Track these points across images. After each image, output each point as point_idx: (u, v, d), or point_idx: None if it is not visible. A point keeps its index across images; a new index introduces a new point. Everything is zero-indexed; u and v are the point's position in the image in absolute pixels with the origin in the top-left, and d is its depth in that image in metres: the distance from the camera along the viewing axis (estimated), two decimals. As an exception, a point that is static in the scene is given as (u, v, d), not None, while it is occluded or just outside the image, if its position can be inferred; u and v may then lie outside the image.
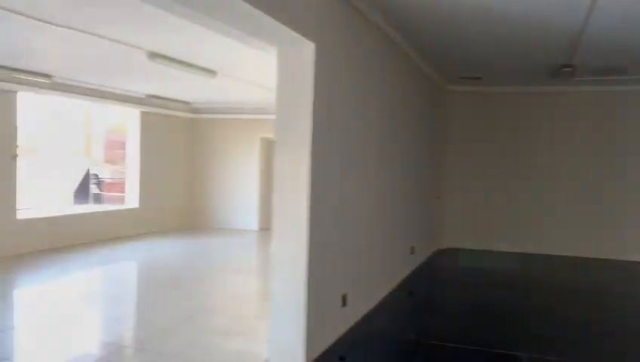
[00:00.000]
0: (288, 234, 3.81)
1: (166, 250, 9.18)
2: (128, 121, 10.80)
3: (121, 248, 9.17)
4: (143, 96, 9.65)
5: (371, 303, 5.40)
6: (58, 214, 9.07)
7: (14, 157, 7.94)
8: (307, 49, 3.72)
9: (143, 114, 10.57)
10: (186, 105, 10.89)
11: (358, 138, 4.88)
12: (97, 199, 14.60)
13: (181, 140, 11.76)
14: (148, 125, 10.71)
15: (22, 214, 8.20)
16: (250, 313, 5.66)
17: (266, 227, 11.80)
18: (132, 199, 10.67)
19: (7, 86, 7.51)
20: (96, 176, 15.51)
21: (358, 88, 4.78)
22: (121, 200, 11.86)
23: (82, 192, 17.51)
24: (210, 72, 6.72)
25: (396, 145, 6.25)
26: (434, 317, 5.55)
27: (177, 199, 11.72)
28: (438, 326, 5.19)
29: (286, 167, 3.84)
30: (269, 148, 11.83)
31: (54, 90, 8.13)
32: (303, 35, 3.56)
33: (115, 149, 16.45)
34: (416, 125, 7.20)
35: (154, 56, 5.73)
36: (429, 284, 7.03)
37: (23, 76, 7.26)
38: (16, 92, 7.85)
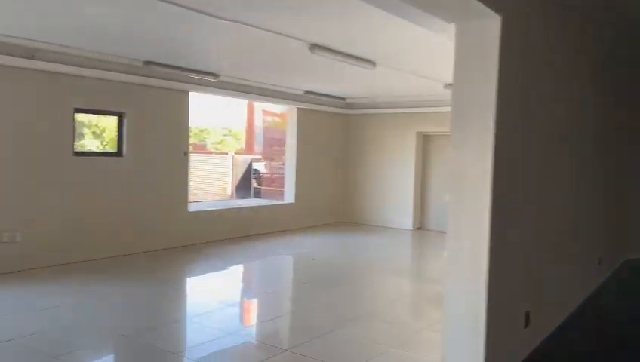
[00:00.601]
0: (465, 241, 3.29)
1: (322, 246, 9.15)
2: (286, 118, 11.05)
3: (280, 242, 9.36)
4: (301, 93, 9.73)
5: (556, 322, 4.62)
6: (223, 208, 9.55)
7: (186, 153, 8.48)
8: (492, 23, 3.15)
9: (300, 111, 10.71)
10: (341, 100, 10.80)
11: (548, 130, 4.15)
12: (256, 194, 15.34)
13: (336, 137, 11.73)
14: (304, 122, 10.84)
15: (192, 207, 8.75)
16: (411, 321, 5.23)
17: (420, 226, 11.26)
18: (289, 194, 10.89)
19: (180, 86, 8.02)
20: (257, 171, 16.31)
21: (547, 70, 4.05)
22: (278, 195, 12.22)
23: (243, 187, 18.64)
24: (370, 63, 6.41)
25: (587, 139, 5.32)
26: (632, 338, 4.56)
27: (331, 195, 11.72)
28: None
29: (463, 163, 3.32)
30: (425, 144, 11.24)
31: (220, 88, 8.52)
32: (488, 5, 3.01)
33: (272, 146, 17.17)
34: (607, 112, 6.12)
35: (315, 48, 5.57)
36: (621, 299, 5.92)
37: (194, 76, 7.68)
38: (188, 92, 8.37)
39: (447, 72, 4.45)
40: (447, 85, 8.25)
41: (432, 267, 7.61)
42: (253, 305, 5.83)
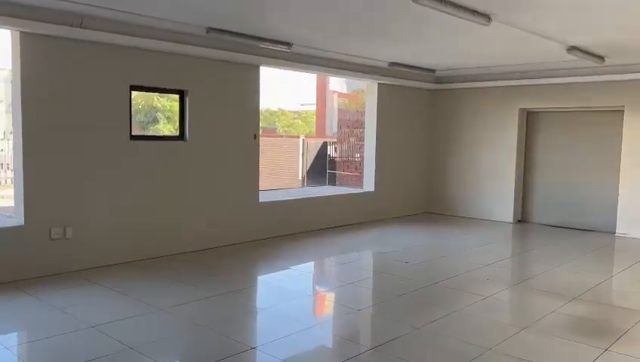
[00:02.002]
0: None
1: (409, 243, 7.87)
2: (355, 99, 9.76)
3: (359, 237, 8.18)
4: (385, 65, 8.41)
5: None
6: (294, 198, 8.49)
7: (257, 137, 7.45)
8: None
9: (382, 87, 9.40)
10: (429, 74, 9.36)
11: None
12: (331, 180, 14.19)
13: (421, 116, 10.33)
14: (386, 99, 9.52)
15: (262, 197, 7.74)
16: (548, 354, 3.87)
17: (522, 219, 9.69)
18: (368, 182, 9.66)
19: (249, 59, 6.96)
20: (331, 156, 15.14)
21: None
22: (353, 180, 11.03)
23: (315, 173, 17.60)
24: (484, 17, 5.01)
25: None
26: None
27: (416, 183, 10.38)
28: None
29: None
30: (530, 122, 9.60)
31: (293, 61, 7.37)
32: None
33: (344, 128, 15.94)
34: None
35: (420, -5, 4.27)
36: None
37: (264, 46, 6.57)
38: (258, 66, 7.30)
39: (584, 28, 3.02)
40: (571, 48, 6.65)
41: (561, 276, 6.14)
42: (328, 327, 4.66)
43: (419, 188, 10.45)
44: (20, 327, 4.32)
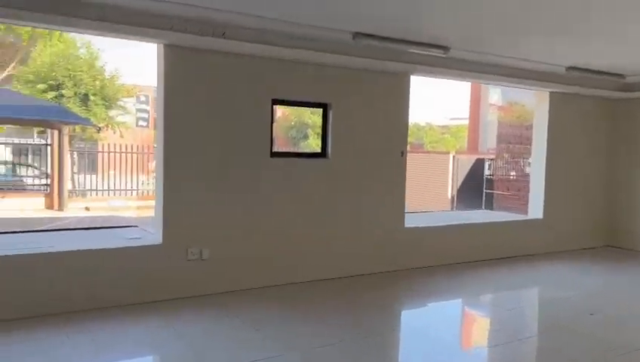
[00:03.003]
0: None
1: (590, 286, 6.40)
2: (509, 111, 8.40)
3: (524, 274, 6.89)
4: (562, 70, 7.05)
5: None
6: (446, 223, 7.47)
7: (404, 154, 6.65)
8: None
9: (554, 96, 8.00)
10: (617, 80, 7.70)
11: None
12: (488, 202, 12.74)
13: (602, 130, 8.64)
14: (559, 110, 8.08)
15: (408, 221, 6.88)
16: None
17: None
18: (534, 208, 8.25)
19: (398, 67, 6.21)
20: (487, 174, 13.68)
21: None
22: (514, 202, 9.61)
23: (467, 193, 16.19)
24: None
25: None
26: None
27: (594, 210, 8.67)
28: None
29: None
30: None
31: (449, 67, 6.44)
32: None
33: (506, 142, 14.36)
34: None
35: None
36: None
37: (417, 51, 5.77)
38: (408, 74, 6.52)
39: None
40: None
41: None
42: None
43: (598, 216, 8.72)
44: (139, 354, 4.04)
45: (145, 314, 4.72)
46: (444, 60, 6.27)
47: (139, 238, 5.29)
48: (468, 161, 17.58)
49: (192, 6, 4.47)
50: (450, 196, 17.40)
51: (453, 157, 17.73)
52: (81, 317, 4.55)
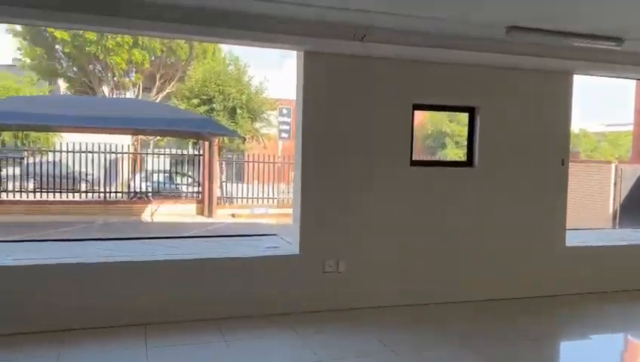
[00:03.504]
0: None
1: None
2: None
3: None
4: None
5: None
6: (610, 243, 6.42)
7: (564, 163, 5.84)
8: None
9: None
10: None
11: None
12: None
13: None
14: None
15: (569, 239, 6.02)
16: None
17: None
18: None
19: (559, 64, 5.47)
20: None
21: None
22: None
23: (633, 209, 14.19)
24: None
25: None
26: None
27: None
28: None
29: None
30: None
31: (624, 63, 5.52)
32: None
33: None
34: None
35: None
36: None
37: (582, 44, 5.00)
38: (570, 73, 5.74)
39: None
40: None
41: None
42: None
43: None
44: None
45: (279, 326, 4.63)
46: (614, 55, 5.39)
47: (277, 247, 5.27)
48: (633, 172, 15.43)
49: (334, 9, 4.31)
50: (611, 211, 15.40)
51: (616, 166, 15.68)
52: (220, 323, 4.59)
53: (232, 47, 23.99)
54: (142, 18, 4.07)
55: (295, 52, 5.04)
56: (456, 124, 22.67)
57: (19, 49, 22.44)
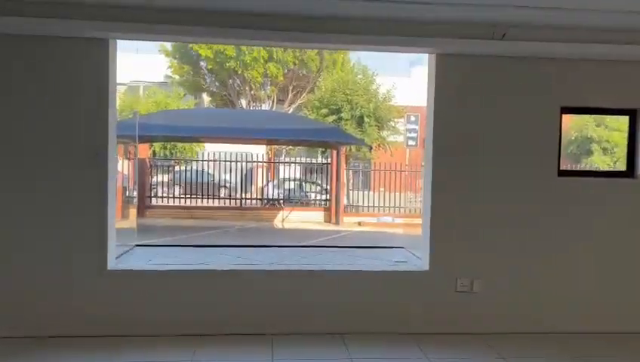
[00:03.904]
0: None
1: None
2: None
3: None
4: None
5: None
6: None
7: None
8: None
9: None
10: None
11: None
12: None
13: None
14: None
15: None
16: None
17: None
18: None
19: None
20: None
21: None
22: None
23: None
24: None
25: None
26: None
27: None
28: None
29: None
30: None
31: None
32: None
33: None
34: None
35: None
36: None
37: None
38: None
39: None
40: None
41: None
42: None
43: None
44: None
45: (406, 346, 4.35)
46: None
47: (405, 262, 5.01)
48: None
49: (470, 5, 3.99)
50: None
51: None
52: (343, 338, 4.45)
53: (361, 56, 24.22)
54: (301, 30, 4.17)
55: (427, 55, 4.76)
56: (603, 129, 20.18)
57: (169, 67, 24.78)
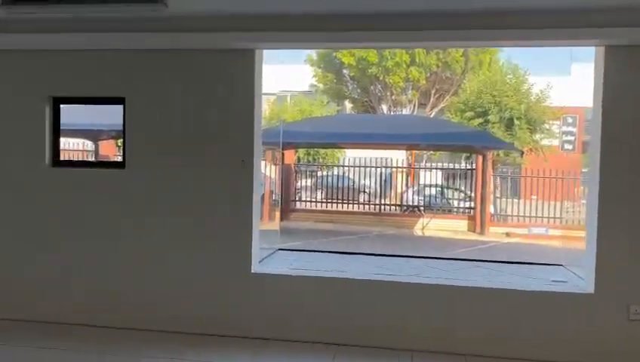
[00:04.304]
0: None
1: None
2: None
3: None
4: None
5: None
6: None
7: None
8: None
9: None
10: None
11: None
12: None
13: None
14: None
15: None
16: None
17: None
18: None
19: None
20: None
21: None
22: None
23: None
24: None
25: None
26: None
27: None
28: None
29: None
30: None
31: None
32: None
33: None
34: None
35: None
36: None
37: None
38: None
39: None
40: None
41: None
42: None
43: None
44: None
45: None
46: None
47: (564, 282, 4.43)
48: None
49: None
50: None
51: None
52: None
53: (511, 55, 22.73)
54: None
55: (593, 48, 4.18)
56: None
57: (314, 76, 25.68)
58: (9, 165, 4.77)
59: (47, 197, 4.73)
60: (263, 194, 10.72)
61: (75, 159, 10.84)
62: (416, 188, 17.04)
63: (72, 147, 14.97)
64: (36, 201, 4.75)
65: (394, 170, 16.85)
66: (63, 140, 5.05)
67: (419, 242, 13.11)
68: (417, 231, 14.42)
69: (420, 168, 19.01)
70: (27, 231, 4.78)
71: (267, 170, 12.74)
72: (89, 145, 15.81)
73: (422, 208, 15.83)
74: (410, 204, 16.15)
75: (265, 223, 11.52)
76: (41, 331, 4.53)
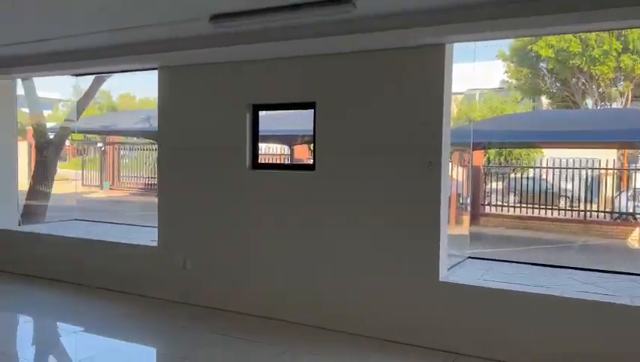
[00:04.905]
0: None
1: None
2: None
3: None
4: None
5: None
6: None
7: None
8: None
9: None
10: None
11: None
12: None
13: None
14: None
15: None
16: None
17: None
18: None
19: None
20: None
21: None
22: None
23: None
24: None
25: None
26: None
27: None
28: None
29: None
30: None
31: None
32: None
33: None
34: None
35: None
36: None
37: None
38: None
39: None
40: None
41: None
42: None
43: None
44: None
45: None
46: None
47: None
48: None
49: None
50: None
51: None
52: None
53: None
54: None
55: None
56: None
57: (506, 72, 23.99)
58: (216, 167, 5.28)
59: (246, 197, 5.11)
60: (449, 197, 10.27)
61: (271, 162, 11.73)
62: (630, 192, 14.74)
63: (272, 151, 16.35)
64: (237, 200, 5.16)
65: (602, 172, 14.78)
66: (264, 145, 5.41)
67: (637, 255, 11.27)
68: (632, 242, 12.42)
69: (635, 170, 16.41)
70: (229, 228, 5.22)
71: (454, 172, 12.21)
72: (285, 149, 17.10)
73: (638, 216, 13.65)
74: (624, 211, 14.00)
75: (452, 227, 11.04)
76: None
